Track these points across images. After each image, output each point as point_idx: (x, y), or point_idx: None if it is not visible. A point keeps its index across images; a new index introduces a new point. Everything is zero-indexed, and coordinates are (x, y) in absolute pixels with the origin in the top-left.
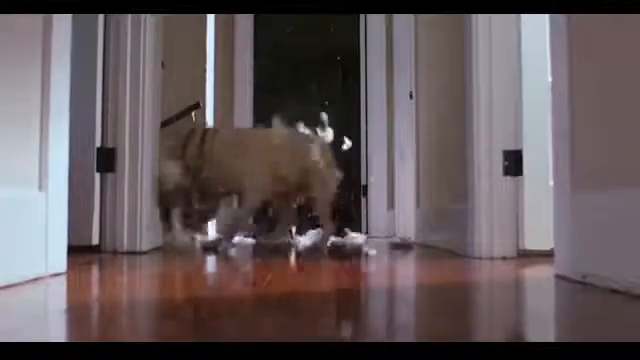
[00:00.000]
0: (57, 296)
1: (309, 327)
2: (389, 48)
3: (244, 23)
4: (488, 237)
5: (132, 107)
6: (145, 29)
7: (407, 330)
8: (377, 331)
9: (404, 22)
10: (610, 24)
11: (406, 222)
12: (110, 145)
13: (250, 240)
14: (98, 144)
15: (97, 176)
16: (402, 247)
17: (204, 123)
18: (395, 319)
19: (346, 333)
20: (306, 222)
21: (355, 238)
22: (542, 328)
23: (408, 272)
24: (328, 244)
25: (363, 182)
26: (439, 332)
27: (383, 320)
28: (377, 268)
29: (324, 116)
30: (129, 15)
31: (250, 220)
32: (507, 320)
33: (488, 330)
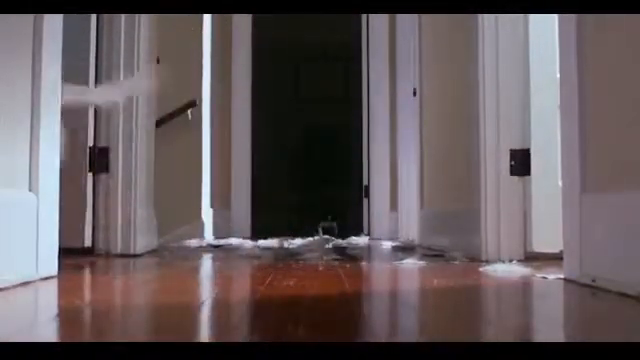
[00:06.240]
0: (47, 301)
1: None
2: (392, 43)
3: (242, 18)
4: (495, 239)
5: (126, 104)
6: (139, 24)
7: (411, 332)
8: (381, 335)
9: (407, 17)
10: (619, 21)
11: (409, 224)
12: (103, 144)
13: None
14: (90, 143)
15: (90, 176)
16: (404, 250)
17: None
18: (400, 322)
19: (348, 335)
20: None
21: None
22: (549, 333)
23: (411, 275)
24: (329, 246)
25: (365, 182)
26: (442, 334)
27: (388, 324)
28: (379, 271)
29: None
30: None
31: None
32: (512, 324)
33: (493, 334)
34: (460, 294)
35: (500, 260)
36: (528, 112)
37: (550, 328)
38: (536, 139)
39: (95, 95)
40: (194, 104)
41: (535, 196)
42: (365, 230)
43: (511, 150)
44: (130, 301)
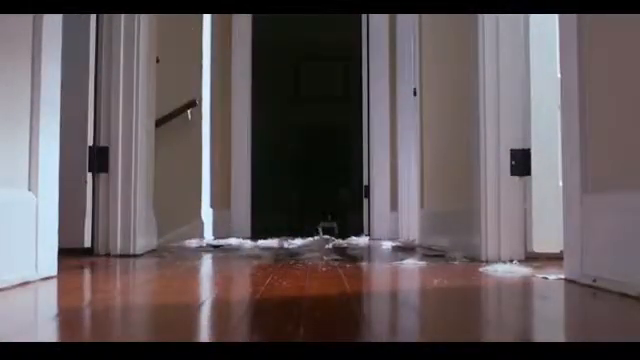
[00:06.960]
0: (47, 301)
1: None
2: (392, 43)
3: (242, 18)
4: (495, 239)
5: (125, 104)
6: (139, 23)
7: (411, 332)
8: (381, 335)
9: (407, 17)
10: (619, 21)
11: (410, 224)
12: (103, 144)
13: None
14: (90, 143)
15: (89, 176)
16: (405, 251)
17: None
18: (400, 322)
19: (348, 335)
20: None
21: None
22: (549, 333)
23: (411, 275)
24: (329, 246)
25: (365, 182)
26: (442, 334)
27: (388, 324)
28: (380, 272)
29: None
30: None
31: None
32: (513, 324)
33: (493, 334)
34: (460, 294)
35: (500, 260)
36: (528, 112)
37: (550, 328)
38: (536, 139)
39: None
40: (194, 104)
41: (535, 196)
42: (365, 230)
43: (511, 150)
44: (130, 301)
